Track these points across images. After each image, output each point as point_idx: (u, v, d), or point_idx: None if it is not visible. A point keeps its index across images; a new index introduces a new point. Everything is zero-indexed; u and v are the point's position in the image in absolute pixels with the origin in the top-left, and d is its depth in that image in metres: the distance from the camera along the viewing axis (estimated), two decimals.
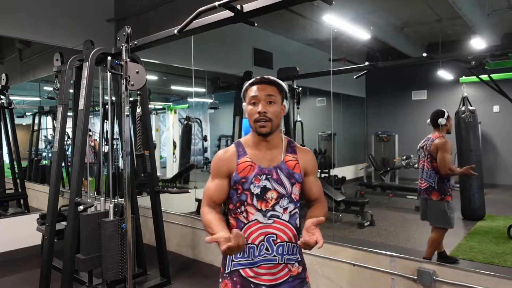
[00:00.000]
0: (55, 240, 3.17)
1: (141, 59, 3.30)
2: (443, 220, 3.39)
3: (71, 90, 3.38)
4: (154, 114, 9.19)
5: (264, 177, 1.41)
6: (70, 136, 3.95)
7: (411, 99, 9.04)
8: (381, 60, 7.23)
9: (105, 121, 3.89)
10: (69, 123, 3.44)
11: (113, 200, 3.13)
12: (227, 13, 2.45)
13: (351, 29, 5.32)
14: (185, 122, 8.85)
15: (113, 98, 3.52)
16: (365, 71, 5.54)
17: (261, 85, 1.43)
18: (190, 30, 2.70)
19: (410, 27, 7.22)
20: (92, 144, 5.66)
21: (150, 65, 5.11)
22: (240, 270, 1.42)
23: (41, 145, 7.17)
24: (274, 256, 1.40)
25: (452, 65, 7.01)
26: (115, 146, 4.41)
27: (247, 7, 2.36)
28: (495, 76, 4.83)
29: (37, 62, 5.69)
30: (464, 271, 2.41)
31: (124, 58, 2.81)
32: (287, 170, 1.44)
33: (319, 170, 7.55)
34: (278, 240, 1.40)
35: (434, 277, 2.45)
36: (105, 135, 3.80)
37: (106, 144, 3.83)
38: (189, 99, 9.21)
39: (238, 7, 2.36)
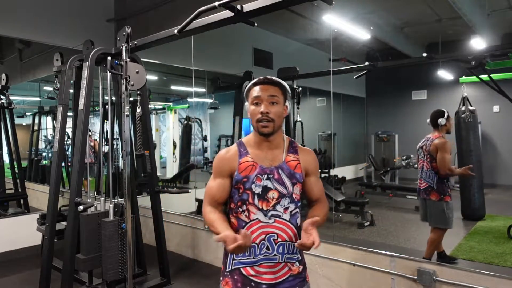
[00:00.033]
0: (55, 240, 3.17)
1: (141, 59, 3.30)
2: (442, 221, 3.38)
3: (71, 90, 3.38)
4: (154, 114, 9.19)
5: (265, 176, 1.42)
6: (70, 136, 3.95)
7: (411, 99, 9.03)
8: (381, 60, 7.23)
9: (105, 121, 3.89)
10: (69, 123, 3.44)
11: (113, 200, 3.13)
12: (227, 13, 2.45)
13: (351, 29, 5.32)
14: (185, 122, 8.85)
15: (113, 98, 3.52)
16: (365, 71, 5.55)
17: (264, 86, 1.44)
18: (190, 30, 2.70)
19: (410, 27, 7.22)
20: (92, 144, 5.66)
21: (150, 65, 5.11)
22: (241, 269, 1.43)
23: (41, 145, 7.17)
24: (275, 255, 1.41)
25: (452, 65, 7.01)
26: (115, 146, 4.42)
27: (247, 7, 2.36)
28: (495, 76, 4.83)
29: (37, 62, 5.69)
30: (464, 271, 2.41)
31: (124, 58, 2.81)
32: (289, 170, 1.45)
33: (319, 170, 7.53)
34: (279, 240, 1.41)
35: (434, 277, 2.45)
36: (105, 135, 3.80)
37: (106, 144, 3.83)
38: (189, 99, 9.21)
39: (238, 7, 2.37)
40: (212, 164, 1.53)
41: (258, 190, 1.41)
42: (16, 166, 5.45)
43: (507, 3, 5.82)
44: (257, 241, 1.41)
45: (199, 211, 5.12)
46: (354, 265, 2.86)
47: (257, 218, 1.41)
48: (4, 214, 4.90)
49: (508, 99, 4.59)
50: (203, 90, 7.44)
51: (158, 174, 4.63)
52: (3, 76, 5.04)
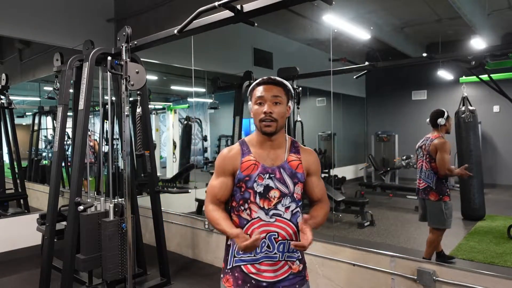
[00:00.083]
0: (55, 240, 3.17)
1: (141, 59, 3.30)
2: (440, 221, 3.37)
3: (71, 90, 3.38)
4: (154, 114, 9.19)
5: (267, 176, 1.44)
6: (70, 136, 3.95)
7: (411, 99, 9.03)
8: (381, 60, 7.21)
9: (105, 121, 3.89)
10: (69, 123, 3.44)
11: (113, 200, 3.13)
12: (227, 13, 2.45)
13: (351, 29, 5.32)
14: (185, 122, 8.86)
15: (113, 98, 3.52)
16: (365, 71, 5.55)
17: (268, 86, 1.46)
18: (190, 30, 2.70)
19: (410, 27, 7.22)
20: (91, 144, 5.66)
21: (150, 65, 5.11)
22: (242, 266, 1.45)
23: (41, 145, 7.17)
24: (275, 253, 1.43)
25: (452, 65, 7.02)
26: (115, 146, 4.42)
27: (247, 7, 2.37)
28: (495, 76, 4.83)
29: (37, 62, 5.69)
30: (464, 271, 2.41)
31: (124, 58, 2.81)
32: (290, 169, 1.47)
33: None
34: (279, 238, 1.43)
35: (434, 277, 2.45)
36: (105, 135, 3.80)
37: (106, 144, 3.83)
38: (189, 99, 9.22)
39: (238, 7, 2.37)
40: (215, 162, 1.55)
41: (259, 189, 1.43)
42: (16, 166, 5.45)
43: (507, 3, 5.82)
44: None
45: (199, 211, 5.13)
46: (354, 265, 2.86)
47: (258, 217, 1.43)
48: (4, 214, 4.90)
49: (508, 99, 4.59)
50: (203, 90, 7.44)
51: (158, 174, 4.62)
52: (3, 76, 5.04)
